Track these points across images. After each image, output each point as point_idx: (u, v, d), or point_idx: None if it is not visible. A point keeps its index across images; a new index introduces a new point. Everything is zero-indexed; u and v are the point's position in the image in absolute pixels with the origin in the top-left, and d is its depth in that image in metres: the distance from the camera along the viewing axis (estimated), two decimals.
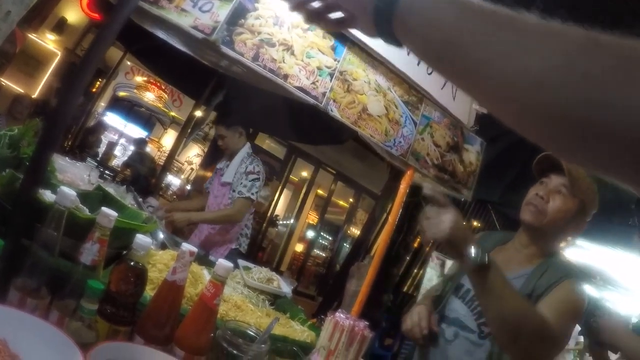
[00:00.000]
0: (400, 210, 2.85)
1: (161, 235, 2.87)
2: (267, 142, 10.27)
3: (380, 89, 2.60)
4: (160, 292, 1.54)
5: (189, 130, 7.89)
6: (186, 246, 1.54)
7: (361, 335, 1.68)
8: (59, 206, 1.42)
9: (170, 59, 5.51)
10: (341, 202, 13.06)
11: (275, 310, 2.69)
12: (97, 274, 1.47)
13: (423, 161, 2.79)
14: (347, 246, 12.14)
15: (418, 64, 2.72)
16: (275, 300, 2.86)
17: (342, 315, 1.72)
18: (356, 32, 2.38)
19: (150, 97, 10.39)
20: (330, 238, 13.02)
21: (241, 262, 3.21)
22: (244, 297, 2.58)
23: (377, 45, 2.53)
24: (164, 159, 10.81)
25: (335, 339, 1.67)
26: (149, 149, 11.08)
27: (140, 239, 1.48)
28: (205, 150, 9.38)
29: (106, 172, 9.03)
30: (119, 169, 10.13)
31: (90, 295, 1.32)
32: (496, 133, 3.45)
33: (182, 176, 11.42)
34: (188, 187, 10.45)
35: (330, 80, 2.36)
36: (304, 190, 12.09)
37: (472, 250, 1.72)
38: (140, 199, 3.21)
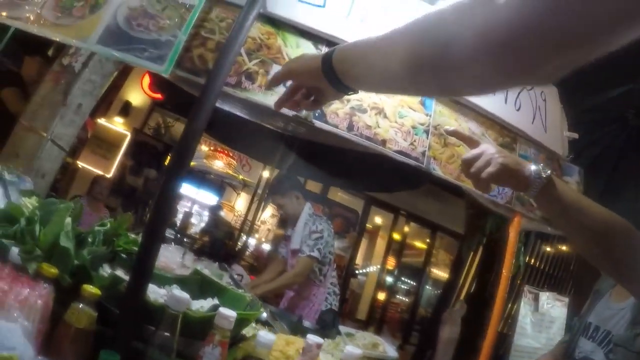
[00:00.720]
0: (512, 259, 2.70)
1: (264, 314, 2.80)
2: (339, 195, 10.22)
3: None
4: None
5: (266, 193, 7.96)
6: (312, 339, 1.47)
7: None
8: (172, 311, 1.38)
9: (235, 126, 5.59)
10: (418, 244, 12.79)
11: None
12: None
13: (529, 205, 2.64)
14: (429, 288, 11.84)
15: (506, 102, 2.62)
16: None
17: None
18: None
19: (219, 164, 10.60)
20: (412, 282, 12.72)
21: (343, 329, 3.11)
22: None
23: None
24: (240, 222, 10.93)
25: None
26: (224, 213, 11.22)
27: (263, 337, 1.43)
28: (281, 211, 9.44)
29: (185, 239, 9.24)
30: (197, 236, 10.27)
31: None
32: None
33: (258, 237, 11.48)
34: (265, 247, 10.48)
35: (427, 138, 2.28)
36: (379, 237, 11.94)
37: (532, 168, 1.55)
38: (235, 276, 3.17)
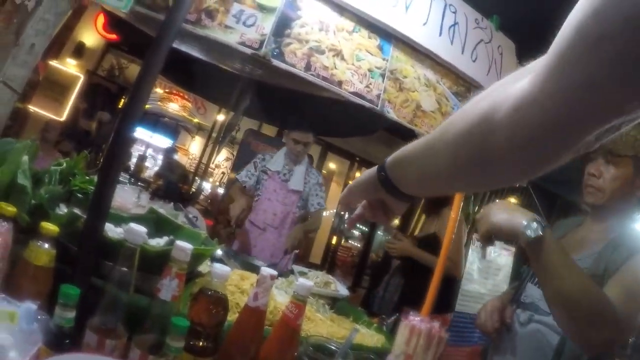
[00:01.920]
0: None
1: (219, 252, 2.84)
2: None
3: (430, 84, 2.55)
4: (242, 319, 1.53)
5: (221, 136, 7.89)
6: (266, 270, 1.51)
7: (438, 337, 1.63)
8: (129, 244, 1.40)
9: (191, 68, 5.50)
10: None
11: (338, 315, 2.65)
12: (178, 309, 1.45)
13: None
14: (380, 234, 12.04)
15: (462, 52, 2.66)
16: (335, 303, 2.82)
17: (416, 318, 1.67)
18: (398, 26, 2.34)
19: (174, 107, 10.42)
20: (364, 227, 12.92)
21: (296, 268, 3.17)
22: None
23: (420, 35, 2.49)
24: (194, 165, 10.85)
25: (412, 344, 1.62)
26: (178, 157, 11.11)
27: (219, 268, 1.45)
28: (235, 153, 9.37)
29: (139, 183, 9.03)
30: (151, 180, 10.17)
31: (177, 333, 1.30)
32: None
33: (213, 180, 11.43)
34: (220, 190, 10.44)
35: (383, 81, 2.31)
36: (333, 182, 12.02)
37: (524, 224, 1.67)
38: (191, 216, 3.18)
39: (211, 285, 1.45)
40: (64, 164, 2.09)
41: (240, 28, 1.90)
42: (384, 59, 2.36)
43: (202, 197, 10.37)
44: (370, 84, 2.25)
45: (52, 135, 6.30)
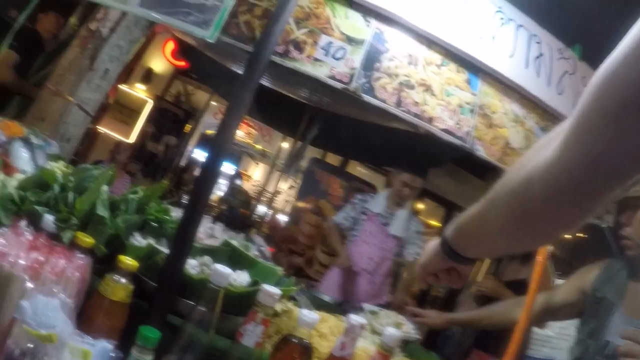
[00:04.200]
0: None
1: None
2: (358, 169, 10.13)
3: (518, 119, 2.44)
4: None
5: (287, 164, 7.90)
6: (355, 319, 1.43)
7: None
8: (213, 286, 1.34)
9: (259, 96, 5.52)
10: (433, 222, 12.66)
11: (410, 359, 2.53)
12: (260, 356, 1.38)
13: None
14: None
15: (549, 85, 2.54)
16: (406, 346, 2.70)
17: None
18: (485, 59, 2.25)
19: (239, 134, 10.54)
20: None
21: (366, 307, 3.07)
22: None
23: (507, 68, 2.40)
24: (257, 192, 10.90)
25: None
26: (241, 182, 11.19)
27: (306, 315, 1.38)
28: (299, 182, 9.38)
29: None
30: (214, 204, 10.26)
31: None
32: None
33: (275, 207, 11.44)
34: (282, 217, 10.43)
35: (472, 117, 2.21)
36: None
37: None
38: (262, 248, 3.12)
39: (297, 332, 1.37)
40: (140, 192, 2.06)
41: (329, 61, 1.85)
42: (472, 94, 2.27)
43: (264, 223, 10.37)
44: (460, 120, 2.16)
45: (122, 157, 6.45)
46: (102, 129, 8.07)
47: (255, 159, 12.26)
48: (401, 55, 2.10)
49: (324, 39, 2.01)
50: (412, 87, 2.07)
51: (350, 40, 2.04)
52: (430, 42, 2.22)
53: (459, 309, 5.16)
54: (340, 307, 3.37)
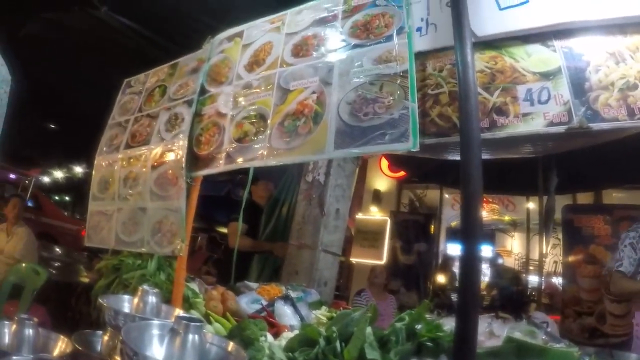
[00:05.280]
0: None
1: None
2: (614, 196, 9.16)
3: None
4: None
5: (542, 224, 7.45)
6: None
7: None
8: None
9: (484, 172, 5.36)
10: None
11: None
12: None
13: None
14: None
15: None
16: None
17: None
18: None
19: (483, 214, 10.39)
20: None
21: None
22: None
23: None
24: (522, 264, 10.42)
25: None
26: (503, 261, 10.82)
27: None
28: (561, 236, 8.75)
29: None
30: (484, 293, 9.96)
31: None
32: None
33: (546, 272, 10.74)
34: (557, 280, 9.70)
35: None
36: None
37: None
38: (544, 324, 2.82)
39: None
40: (406, 318, 2.03)
41: (539, 109, 1.70)
42: None
43: (541, 294, 9.75)
44: None
45: (380, 279, 6.55)
46: (353, 259, 8.67)
47: (509, 232, 11.91)
48: (604, 59, 1.83)
49: (521, 90, 1.86)
50: (634, 87, 1.76)
51: (546, 75, 1.85)
52: (622, 26, 1.87)
53: None
54: None
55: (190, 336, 1.71)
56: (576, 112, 1.73)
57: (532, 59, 1.94)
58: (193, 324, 1.74)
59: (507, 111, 1.85)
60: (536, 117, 1.76)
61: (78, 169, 18.21)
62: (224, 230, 9.33)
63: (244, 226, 5.07)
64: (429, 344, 1.88)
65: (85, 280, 6.02)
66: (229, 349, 1.81)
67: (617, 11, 1.90)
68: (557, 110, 1.76)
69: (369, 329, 1.77)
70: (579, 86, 1.81)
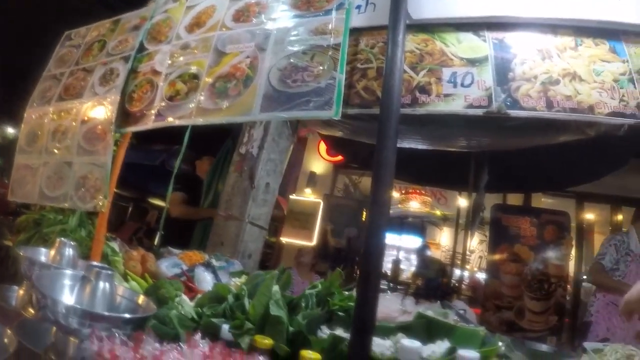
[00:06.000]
0: None
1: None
2: (543, 200, 9.50)
3: None
4: None
5: (470, 220, 7.64)
6: None
7: None
8: None
9: (419, 163, 5.45)
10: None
11: None
12: None
13: None
14: None
15: None
16: None
17: None
18: (619, 17, 1.99)
19: (415, 205, 10.61)
20: None
21: (588, 345, 2.73)
22: None
23: None
24: (449, 257, 10.68)
25: None
26: (431, 252, 11.04)
27: None
28: (488, 234, 9.03)
29: (399, 287, 9.51)
30: (410, 281, 10.20)
31: None
32: None
33: (471, 267, 11.07)
34: (481, 275, 10.01)
35: (635, 87, 1.91)
36: (596, 234, 10.84)
37: None
38: (461, 311, 2.93)
39: None
40: (319, 286, 2.08)
41: (460, 91, 1.76)
42: (623, 62, 1.98)
43: (464, 286, 10.04)
44: (623, 95, 1.88)
45: (307, 259, 6.61)
46: (284, 239, 8.71)
47: (438, 225, 12.14)
48: (531, 54, 1.93)
49: (446, 72, 1.93)
50: (556, 82, 1.87)
51: (472, 62, 1.93)
52: (554, 27, 1.99)
53: None
54: (558, 354, 3.07)
55: (101, 284, 1.71)
56: (496, 98, 1.82)
57: (462, 45, 2.02)
58: (104, 271, 1.74)
59: (430, 90, 1.93)
60: (457, 99, 1.83)
61: (10, 130, 17.28)
62: (157, 201, 9.18)
63: (185, 196, 5.11)
64: (340, 313, 1.92)
65: (9, 243, 5.84)
66: (140, 301, 1.82)
67: (551, 12, 2.01)
68: (478, 94, 1.84)
69: (275, 287, 1.79)
70: (503, 75, 1.89)
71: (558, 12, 1.96)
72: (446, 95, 1.88)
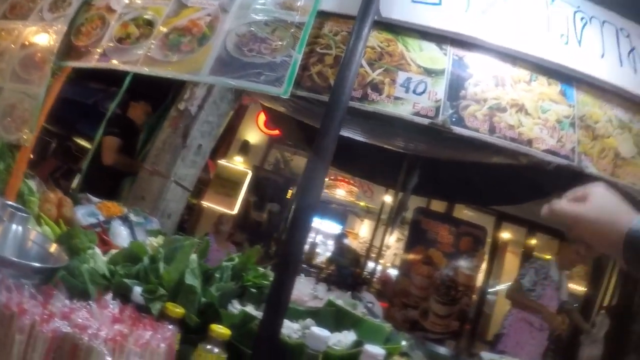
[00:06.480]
0: None
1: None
2: (464, 212, 9.81)
3: (624, 124, 2.22)
4: None
5: (392, 217, 7.78)
6: None
7: None
8: (311, 351, 1.29)
9: (354, 153, 5.50)
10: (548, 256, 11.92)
11: None
12: None
13: None
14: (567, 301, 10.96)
15: None
16: None
17: None
18: (576, 65, 2.10)
19: (341, 193, 10.69)
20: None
21: (486, 355, 2.87)
22: None
23: (601, 70, 2.22)
24: (365, 249, 10.83)
25: None
26: (349, 241, 11.17)
27: None
28: (406, 233, 9.25)
29: (311, 269, 9.40)
30: (323, 266, 10.29)
31: None
32: None
33: (384, 262, 11.30)
34: (393, 272, 10.24)
35: (574, 131, 2.03)
36: (508, 253, 11.33)
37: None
38: (370, 304, 3.00)
39: None
40: (236, 259, 2.06)
41: (411, 97, 1.79)
42: (570, 106, 2.09)
43: (375, 280, 10.24)
44: (562, 137, 1.99)
45: (226, 227, 6.59)
46: (206, 203, 8.47)
47: (360, 216, 12.29)
48: (486, 78, 1.99)
49: (401, 76, 1.95)
50: (504, 110, 1.94)
51: (429, 72, 1.97)
52: (514, 58, 2.09)
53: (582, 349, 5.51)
54: (456, 359, 3.23)
55: (14, 226, 1.65)
56: (444, 112, 1.86)
57: (422, 53, 2.05)
58: (19, 213, 1.68)
59: (382, 90, 1.95)
60: (406, 104, 1.85)
61: None
62: (83, 142, 8.83)
63: (120, 141, 4.87)
64: (253, 290, 1.93)
65: None
66: (52, 250, 1.76)
67: (514, 44, 2.08)
68: (427, 104, 1.88)
69: (193, 257, 1.78)
70: (455, 91, 1.94)
71: (521, 45, 2.06)
72: (396, 98, 1.91)
